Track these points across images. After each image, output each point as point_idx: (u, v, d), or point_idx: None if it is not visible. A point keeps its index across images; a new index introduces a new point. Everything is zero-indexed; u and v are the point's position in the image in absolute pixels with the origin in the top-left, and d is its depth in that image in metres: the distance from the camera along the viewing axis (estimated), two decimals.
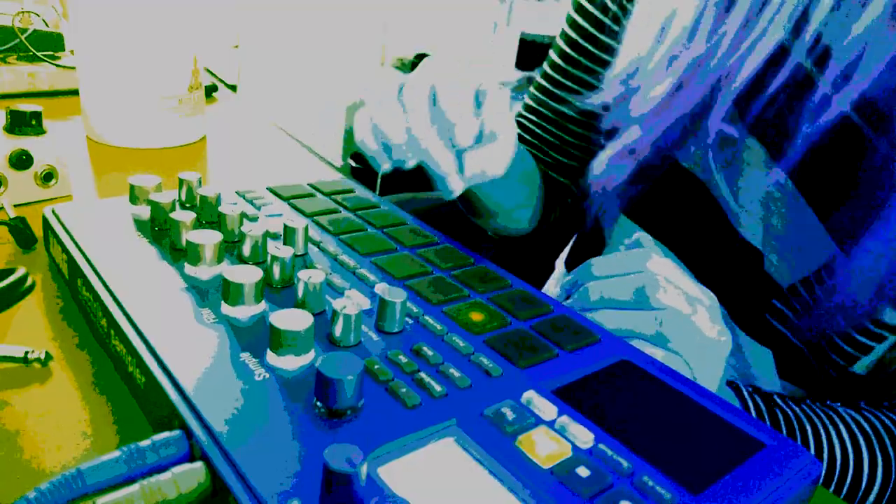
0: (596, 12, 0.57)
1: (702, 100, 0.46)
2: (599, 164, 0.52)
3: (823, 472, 0.42)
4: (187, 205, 0.43)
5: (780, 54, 0.43)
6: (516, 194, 0.57)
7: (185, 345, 0.29)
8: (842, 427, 0.43)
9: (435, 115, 0.41)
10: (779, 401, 0.44)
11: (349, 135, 2.59)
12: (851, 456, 0.42)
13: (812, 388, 0.49)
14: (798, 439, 0.42)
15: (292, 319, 0.29)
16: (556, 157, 0.64)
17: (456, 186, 0.42)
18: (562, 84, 0.61)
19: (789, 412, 0.43)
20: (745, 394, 0.44)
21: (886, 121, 0.41)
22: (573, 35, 0.59)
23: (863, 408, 0.46)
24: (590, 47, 0.58)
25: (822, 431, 0.43)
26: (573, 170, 0.64)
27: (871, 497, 0.43)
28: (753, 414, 0.43)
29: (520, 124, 0.66)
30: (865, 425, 0.44)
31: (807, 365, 0.48)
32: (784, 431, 0.42)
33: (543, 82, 0.63)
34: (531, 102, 0.65)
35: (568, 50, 0.60)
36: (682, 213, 0.52)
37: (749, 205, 0.48)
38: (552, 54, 0.62)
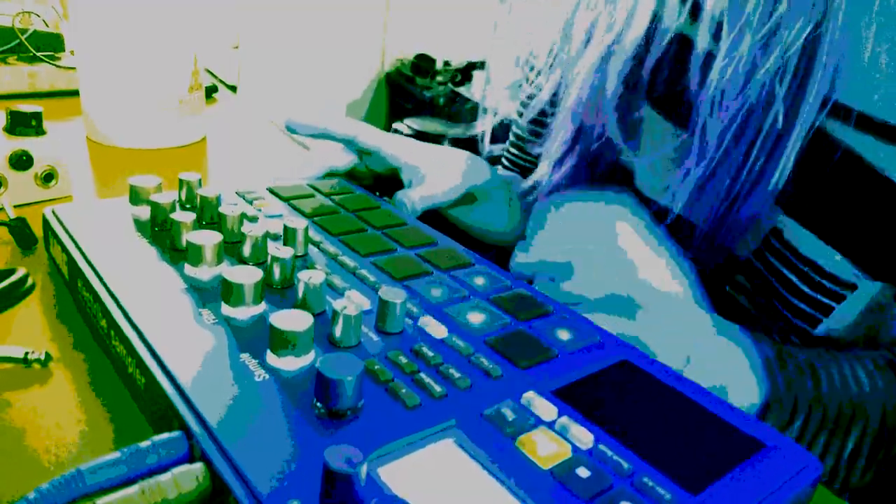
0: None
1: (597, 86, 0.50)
2: (540, 177, 0.58)
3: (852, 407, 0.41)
4: (187, 205, 0.43)
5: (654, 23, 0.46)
6: (500, 217, 0.62)
7: (184, 345, 0.29)
8: (858, 364, 0.43)
9: None
10: (787, 346, 0.44)
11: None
12: (874, 389, 0.42)
13: None
14: (818, 377, 0.41)
15: (292, 320, 0.29)
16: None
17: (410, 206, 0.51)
18: (531, 130, 0.68)
19: (805, 352, 0.43)
20: (756, 335, 0.43)
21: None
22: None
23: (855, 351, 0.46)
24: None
25: (844, 366, 0.42)
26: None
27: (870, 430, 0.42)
28: (769, 349, 0.42)
29: (507, 159, 0.73)
30: (881, 361, 0.43)
31: (772, 335, 0.48)
32: (801, 371, 0.42)
33: (516, 130, 0.70)
34: (513, 139, 0.72)
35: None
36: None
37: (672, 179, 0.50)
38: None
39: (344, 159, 0.56)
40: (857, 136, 0.41)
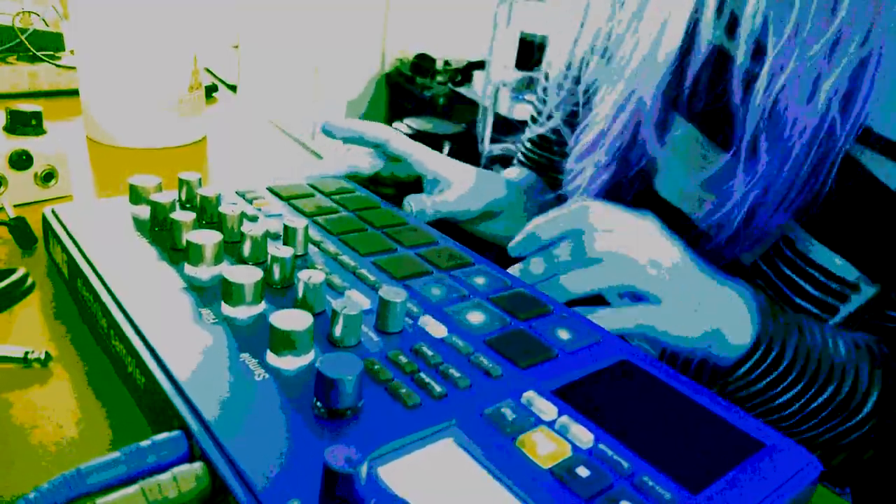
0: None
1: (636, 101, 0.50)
2: (571, 177, 0.57)
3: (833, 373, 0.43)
4: (187, 205, 0.43)
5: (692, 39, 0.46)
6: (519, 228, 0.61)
7: (184, 345, 0.29)
8: (840, 336, 0.45)
9: None
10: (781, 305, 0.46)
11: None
12: (850, 360, 0.44)
13: None
14: (804, 335, 0.43)
15: (292, 319, 0.29)
16: (558, 178, 0.68)
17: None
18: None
19: (797, 315, 0.45)
20: (753, 287, 0.45)
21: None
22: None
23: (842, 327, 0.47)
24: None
25: (829, 335, 0.44)
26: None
27: (867, 409, 0.44)
28: (764, 300, 0.44)
29: (525, 156, 0.73)
30: (860, 340, 0.45)
31: None
32: (790, 326, 0.43)
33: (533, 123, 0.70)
34: (530, 135, 0.71)
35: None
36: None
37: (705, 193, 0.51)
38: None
39: (369, 162, 0.57)
40: (876, 158, 0.42)
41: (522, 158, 0.73)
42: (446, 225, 0.58)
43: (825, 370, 0.43)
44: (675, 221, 0.51)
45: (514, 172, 0.71)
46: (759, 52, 0.43)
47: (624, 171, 0.53)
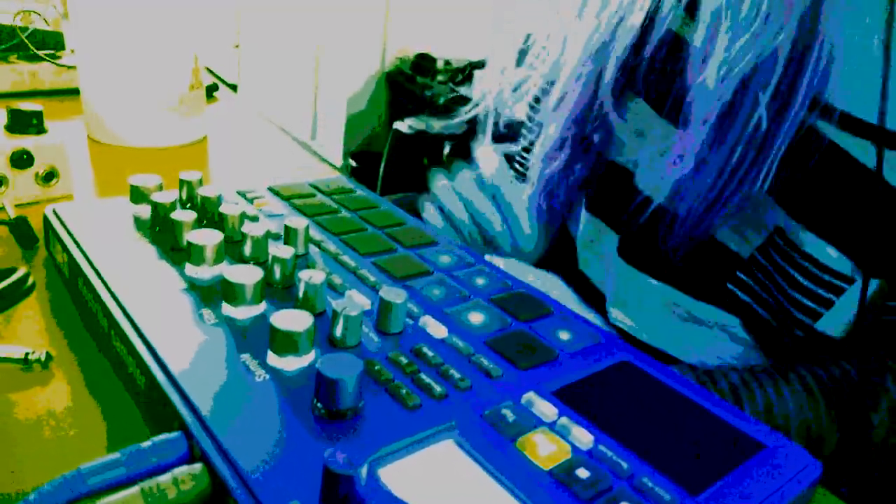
0: None
1: (594, 81, 0.51)
2: (533, 166, 0.59)
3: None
4: (188, 205, 0.43)
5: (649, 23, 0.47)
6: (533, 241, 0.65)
7: (185, 345, 0.29)
8: (785, 386, 0.45)
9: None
10: (718, 375, 0.46)
11: (349, 134, 2.59)
12: (797, 409, 0.44)
13: (783, 355, 0.51)
14: (741, 402, 0.44)
15: (293, 320, 0.29)
16: None
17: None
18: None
19: (733, 379, 0.45)
20: (684, 368, 0.46)
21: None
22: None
23: (822, 360, 0.47)
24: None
25: (770, 391, 0.44)
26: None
27: (832, 448, 0.44)
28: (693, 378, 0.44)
29: (520, 164, 0.72)
30: (812, 380, 0.45)
31: (774, 332, 0.50)
32: (724, 396, 0.44)
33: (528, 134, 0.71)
34: (524, 143, 0.72)
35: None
36: (618, 201, 0.56)
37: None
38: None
39: None
40: (843, 135, 0.42)
41: (518, 167, 0.74)
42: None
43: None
44: (654, 213, 0.51)
45: None
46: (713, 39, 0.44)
47: (583, 149, 0.55)
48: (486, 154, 0.62)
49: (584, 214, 0.59)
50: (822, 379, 0.45)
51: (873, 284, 0.45)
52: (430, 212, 0.61)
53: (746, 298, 0.50)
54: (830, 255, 0.45)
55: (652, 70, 0.49)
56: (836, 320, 0.46)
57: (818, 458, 0.43)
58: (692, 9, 0.46)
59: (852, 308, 0.46)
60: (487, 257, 0.45)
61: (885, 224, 0.42)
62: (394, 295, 0.32)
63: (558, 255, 0.67)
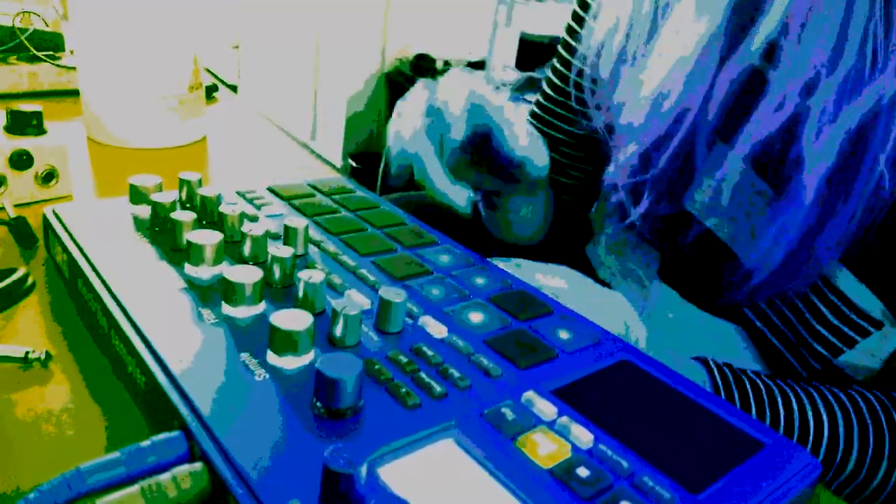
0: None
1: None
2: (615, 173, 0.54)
3: (794, 439, 0.43)
4: (188, 205, 0.43)
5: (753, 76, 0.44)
6: (537, 217, 0.61)
7: (185, 345, 0.29)
8: (817, 398, 0.44)
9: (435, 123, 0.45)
10: (751, 374, 0.45)
11: (349, 134, 2.59)
12: (827, 426, 0.43)
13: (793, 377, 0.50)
14: (765, 407, 0.43)
15: (292, 319, 0.29)
16: (555, 178, 0.66)
17: (461, 202, 0.45)
18: (556, 113, 0.64)
19: (760, 382, 0.44)
20: (712, 364, 0.45)
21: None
22: (562, 70, 0.63)
23: (849, 385, 0.46)
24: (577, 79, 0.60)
25: (793, 399, 0.43)
26: (573, 188, 0.66)
27: (848, 468, 0.43)
28: (719, 380, 0.44)
29: (537, 116, 0.68)
30: (844, 398, 0.44)
31: (784, 360, 0.49)
32: (751, 399, 0.43)
33: (538, 111, 0.66)
34: (550, 92, 0.67)
35: (558, 83, 0.63)
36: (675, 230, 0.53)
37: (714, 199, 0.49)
38: (545, 86, 0.65)
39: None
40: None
41: (535, 119, 0.67)
42: (445, 223, 0.58)
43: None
44: (721, 256, 0.49)
45: None
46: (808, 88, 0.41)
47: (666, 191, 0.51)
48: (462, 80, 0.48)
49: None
50: (855, 400, 0.44)
51: None
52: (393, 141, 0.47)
53: (761, 326, 0.49)
54: (862, 295, 0.44)
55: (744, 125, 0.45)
56: (856, 359, 0.46)
57: (834, 476, 0.43)
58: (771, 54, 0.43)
59: (877, 351, 0.45)
60: (493, 260, 0.43)
61: None
62: (393, 294, 0.32)
63: (560, 241, 0.66)
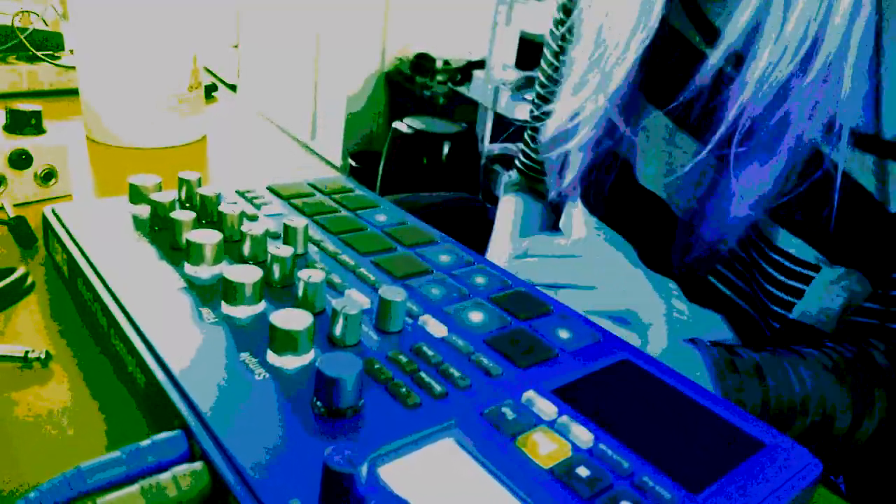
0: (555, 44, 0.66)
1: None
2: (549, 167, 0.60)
3: (796, 405, 0.45)
4: (187, 204, 0.43)
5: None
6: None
7: (185, 344, 0.29)
8: (802, 364, 0.46)
9: None
10: (739, 350, 0.47)
11: (348, 134, 2.59)
12: (815, 387, 0.45)
13: (759, 339, 0.52)
14: (766, 377, 0.45)
15: (292, 319, 0.29)
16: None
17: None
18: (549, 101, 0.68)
19: (753, 355, 0.46)
20: (706, 342, 0.46)
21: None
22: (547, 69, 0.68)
23: (825, 343, 0.48)
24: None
25: (787, 367, 0.45)
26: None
27: (842, 425, 0.45)
28: (717, 357, 0.45)
29: (521, 162, 0.74)
30: (826, 360, 0.46)
31: (755, 325, 0.51)
32: (753, 373, 0.45)
33: (532, 108, 0.71)
34: (528, 140, 0.73)
35: (546, 80, 0.68)
36: (622, 198, 0.57)
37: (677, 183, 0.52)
38: (538, 79, 0.70)
39: None
40: (842, 150, 0.43)
41: (520, 165, 0.75)
42: (445, 223, 0.58)
43: (790, 407, 0.45)
44: (657, 212, 0.53)
45: (510, 205, 0.73)
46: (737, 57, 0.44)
47: (601, 159, 0.55)
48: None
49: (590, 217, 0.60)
50: (841, 359, 0.46)
51: (838, 271, 0.46)
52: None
53: (727, 291, 0.51)
54: (798, 247, 0.46)
55: (666, 82, 0.50)
56: (808, 308, 0.47)
57: (828, 437, 0.45)
58: (702, 23, 0.46)
59: (822, 295, 0.47)
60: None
61: (846, 215, 0.44)
62: (393, 294, 0.32)
63: None
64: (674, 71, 0.49)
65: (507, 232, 0.70)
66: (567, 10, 0.63)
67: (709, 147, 0.45)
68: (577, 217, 0.62)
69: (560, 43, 0.64)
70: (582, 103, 0.53)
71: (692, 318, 0.53)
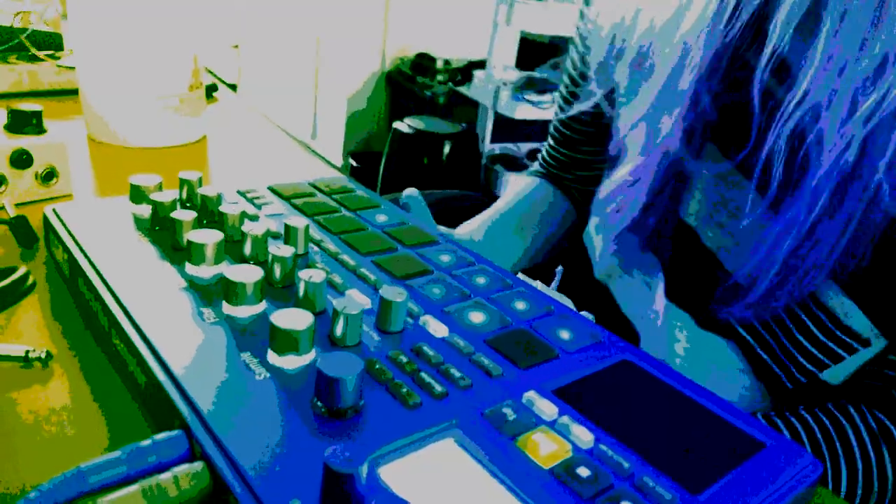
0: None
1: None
2: (605, 190, 0.55)
3: (838, 475, 0.43)
4: (188, 204, 0.43)
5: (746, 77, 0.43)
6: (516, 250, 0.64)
7: (185, 344, 0.29)
8: (848, 427, 0.44)
9: None
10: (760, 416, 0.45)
11: (349, 134, 2.59)
12: (859, 457, 0.43)
13: (779, 390, 0.49)
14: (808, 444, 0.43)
15: (293, 319, 0.29)
16: (580, 174, 0.68)
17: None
18: (573, 114, 0.65)
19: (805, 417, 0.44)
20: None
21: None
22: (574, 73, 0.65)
23: (860, 409, 0.46)
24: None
25: (832, 432, 0.43)
26: (596, 179, 0.67)
27: (859, 493, 0.43)
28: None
29: (548, 154, 0.72)
30: (873, 424, 0.44)
31: (771, 374, 0.49)
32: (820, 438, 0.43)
33: (559, 112, 0.68)
34: (556, 125, 0.70)
35: (573, 87, 0.65)
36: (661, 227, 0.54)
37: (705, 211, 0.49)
38: (562, 85, 0.67)
39: None
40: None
41: (542, 159, 0.72)
42: (445, 223, 0.58)
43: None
44: (710, 269, 0.49)
45: (522, 181, 0.70)
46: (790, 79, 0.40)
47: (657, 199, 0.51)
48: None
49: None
50: (874, 426, 0.44)
51: (882, 343, 0.43)
52: None
53: (748, 338, 0.49)
54: (850, 312, 0.43)
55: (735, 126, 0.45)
56: (840, 373, 0.46)
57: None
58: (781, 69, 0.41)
59: (858, 363, 0.45)
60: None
61: None
62: (394, 294, 0.32)
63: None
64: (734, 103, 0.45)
65: (505, 201, 0.67)
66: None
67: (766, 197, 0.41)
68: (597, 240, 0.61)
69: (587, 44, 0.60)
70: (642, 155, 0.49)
71: (693, 351, 0.51)
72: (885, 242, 0.41)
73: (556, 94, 0.69)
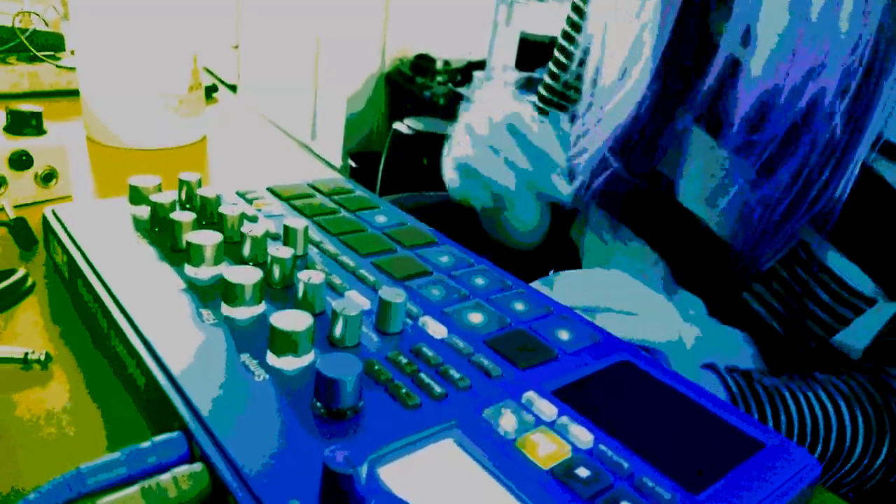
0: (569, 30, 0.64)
1: (651, 98, 0.51)
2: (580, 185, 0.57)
3: (807, 435, 0.44)
4: (187, 205, 0.43)
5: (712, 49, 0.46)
6: (539, 216, 0.63)
7: (185, 346, 0.29)
8: (820, 391, 0.45)
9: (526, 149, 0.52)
10: (757, 375, 0.46)
11: (348, 134, 2.59)
12: (833, 417, 0.44)
13: (791, 365, 0.51)
14: (780, 408, 0.44)
15: (292, 320, 0.29)
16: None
17: (567, 190, 0.53)
18: (554, 103, 0.67)
19: (769, 384, 0.45)
20: (723, 371, 0.46)
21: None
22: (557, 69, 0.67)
23: (841, 371, 0.47)
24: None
25: (800, 396, 0.45)
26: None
27: (855, 455, 0.44)
28: (734, 389, 0.45)
29: (542, 96, 0.71)
30: (843, 387, 0.45)
31: (782, 341, 0.50)
32: (766, 404, 0.44)
33: (539, 103, 0.69)
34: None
35: (553, 82, 0.67)
36: (653, 212, 0.56)
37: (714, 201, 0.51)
38: (544, 80, 0.69)
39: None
40: (881, 160, 0.42)
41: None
42: (445, 223, 0.58)
43: (806, 439, 0.44)
44: (693, 230, 0.51)
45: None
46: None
47: (634, 168, 0.54)
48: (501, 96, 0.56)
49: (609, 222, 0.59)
50: (853, 389, 0.45)
51: (893, 309, 0.44)
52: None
53: (759, 309, 0.50)
54: (853, 274, 0.44)
55: (705, 93, 0.48)
56: (852, 337, 0.46)
57: (842, 466, 0.44)
58: (747, 35, 0.44)
59: (872, 327, 0.46)
60: (533, 284, 0.43)
61: None
62: (393, 295, 0.32)
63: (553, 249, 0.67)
64: (718, 84, 0.48)
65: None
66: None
67: (730, 148, 0.44)
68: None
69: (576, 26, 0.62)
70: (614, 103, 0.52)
71: (706, 338, 0.52)
72: (874, 202, 0.43)
73: (539, 90, 0.70)
